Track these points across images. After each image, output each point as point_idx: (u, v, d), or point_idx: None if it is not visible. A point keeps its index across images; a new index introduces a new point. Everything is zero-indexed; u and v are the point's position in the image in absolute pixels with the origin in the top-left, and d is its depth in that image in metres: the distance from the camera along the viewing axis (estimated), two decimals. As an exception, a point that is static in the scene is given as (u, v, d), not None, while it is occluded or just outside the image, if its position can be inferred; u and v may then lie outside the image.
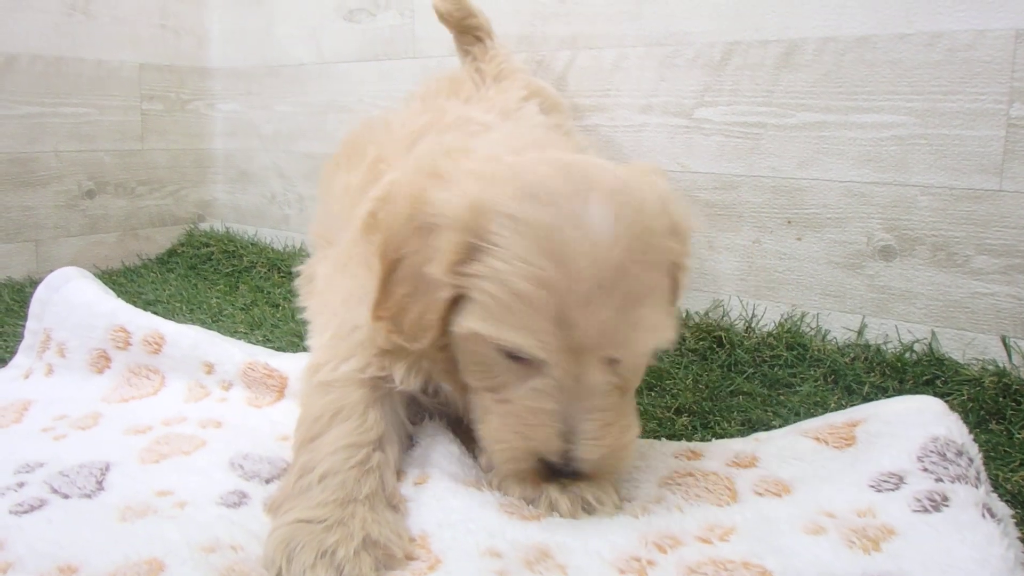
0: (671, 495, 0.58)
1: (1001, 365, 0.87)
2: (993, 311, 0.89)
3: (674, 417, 0.81)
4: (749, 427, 0.79)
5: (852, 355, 0.92)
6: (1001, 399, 0.81)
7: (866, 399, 0.85)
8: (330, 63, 1.49)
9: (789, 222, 1.02)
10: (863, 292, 0.97)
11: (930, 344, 0.92)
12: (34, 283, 1.37)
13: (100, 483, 0.60)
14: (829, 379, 0.90)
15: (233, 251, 1.58)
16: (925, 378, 0.87)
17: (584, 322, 0.53)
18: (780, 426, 0.74)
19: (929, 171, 0.91)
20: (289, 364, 0.82)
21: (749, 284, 1.06)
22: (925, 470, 0.54)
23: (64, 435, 0.71)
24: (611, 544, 0.52)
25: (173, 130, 1.66)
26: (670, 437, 0.75)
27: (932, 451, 0.55)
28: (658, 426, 0.79)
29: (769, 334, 0.97)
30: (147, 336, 0.82)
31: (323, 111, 1.53)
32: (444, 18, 1.11)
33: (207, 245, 1.61)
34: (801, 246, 1.01)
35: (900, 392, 0.85)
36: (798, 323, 0.99)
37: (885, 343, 0.94)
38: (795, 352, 0.92)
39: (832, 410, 0.75)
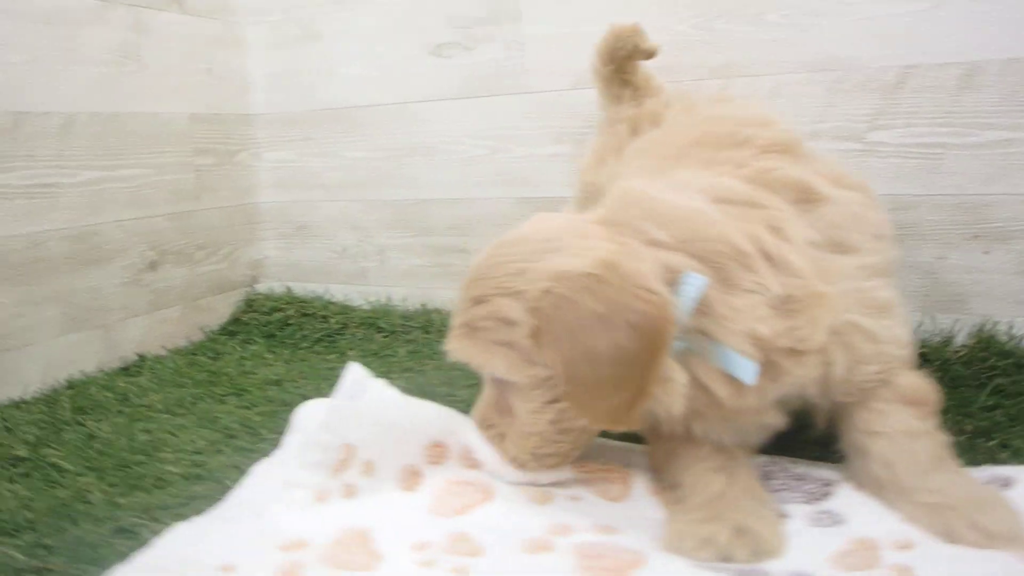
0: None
1: None
2: None
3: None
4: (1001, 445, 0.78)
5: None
6: None
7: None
8: (412, 103, 1.41)
9: (976, 237, 1.08)
10: None
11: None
12: (107, 375, 1.19)
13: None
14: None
15: (312, 313, 1.45)
16: None
17: None
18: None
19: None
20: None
21: (932, 300, 1.11)
22: None
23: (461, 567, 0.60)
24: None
25: (223, 185, 1.49)
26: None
27: None
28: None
29: (969, 346, 1.00)
30: (464, 451, 0.74)
31: (407, 154, 1.44)
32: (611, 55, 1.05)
33: (278, 309, 1.47)
34: (989, 259, 1.07)
35: None
36: (991, 334, 1.04)
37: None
38: (1010, 361, 0.96)
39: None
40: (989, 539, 0.57)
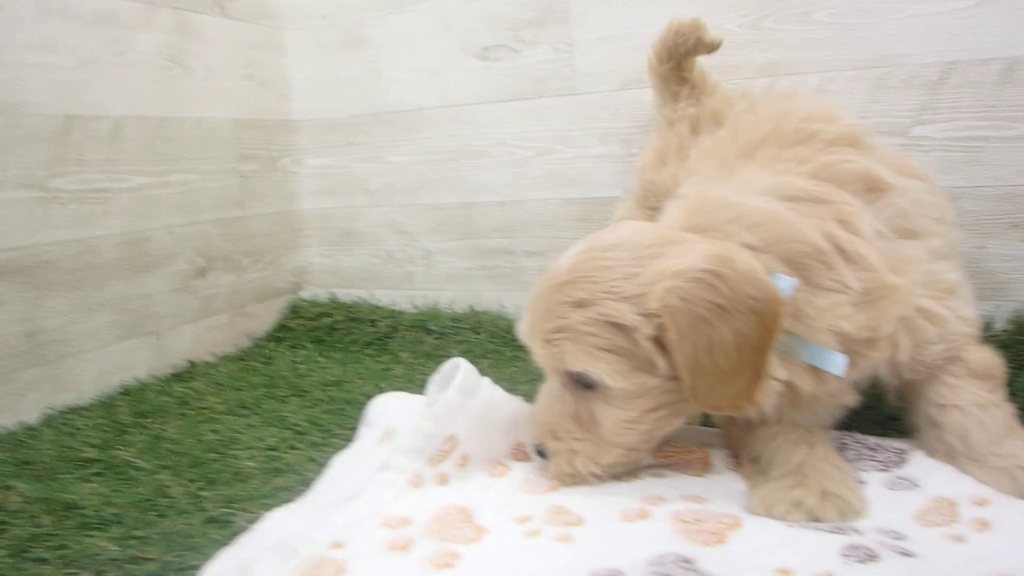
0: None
1: None
2: None
3: None
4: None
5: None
6: None
7: None
8: (458, 106, 1.42)
9: (1015, 226, 1.10)
10: None
11: None
12: (160, 380, 1.17)
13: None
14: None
15: (359, 317, 1.43)
16: None
17: None
18: None
19: None
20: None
21: (973, 287, 1.11)
22: None
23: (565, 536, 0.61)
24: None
25: (268, 192, 1.48)
26: None
27: None
28: None
29: (1009, 331, 1.01)
30: None
31: (452, 158, 1.44)
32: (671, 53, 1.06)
33: (325, 315, 1.45)
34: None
35: None
36: None
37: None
38: None
39: None
40: None
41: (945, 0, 1.08)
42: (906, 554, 0.55)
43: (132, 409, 1.05)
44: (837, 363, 0.66)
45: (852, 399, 0.73)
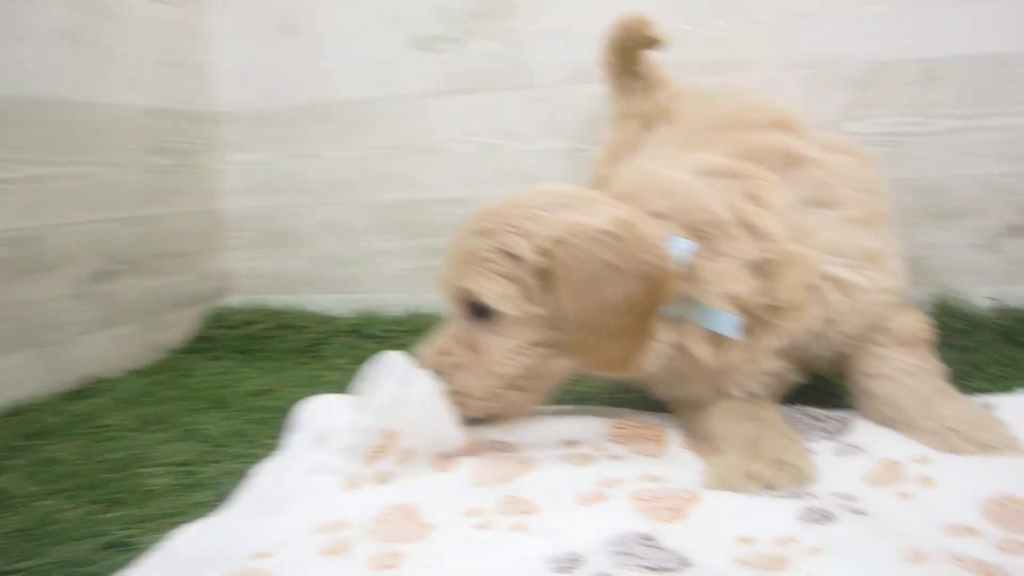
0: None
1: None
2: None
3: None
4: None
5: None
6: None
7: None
8: (404, 98, 1.34)
9: (935, 216, 1.16)
10: (1000, 266, 1.14)
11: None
12: (55, 397, 1.03)
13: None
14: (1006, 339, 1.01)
15: (290, 324, 1.31)
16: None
17: None
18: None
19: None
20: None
21: None
22: None
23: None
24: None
25: (186, 189, 1.35)
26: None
27: None
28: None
29: (931, 312, 1.02)
30: (495, 444, 0.72)
31: (400, 153, 1.36)
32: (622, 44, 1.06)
33: (252, 323, 1.32)
34: (945, 235, 1.15)
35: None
36: (949, 301, 1.11)
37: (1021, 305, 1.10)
38: (966, 322, 1.04)
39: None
40: (987, 450, 0.66)
41: (875, 4, 1.14)
42: (860, 512, 0.58)
43: (20, 430, 0.90)
44: (729, 325, 0.69)
45: (784, 369, 0.75)
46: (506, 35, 1.28)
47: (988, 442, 0.66)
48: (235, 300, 1.44)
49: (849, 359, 0.76)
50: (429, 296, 1.35)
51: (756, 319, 0.70)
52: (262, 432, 0.86)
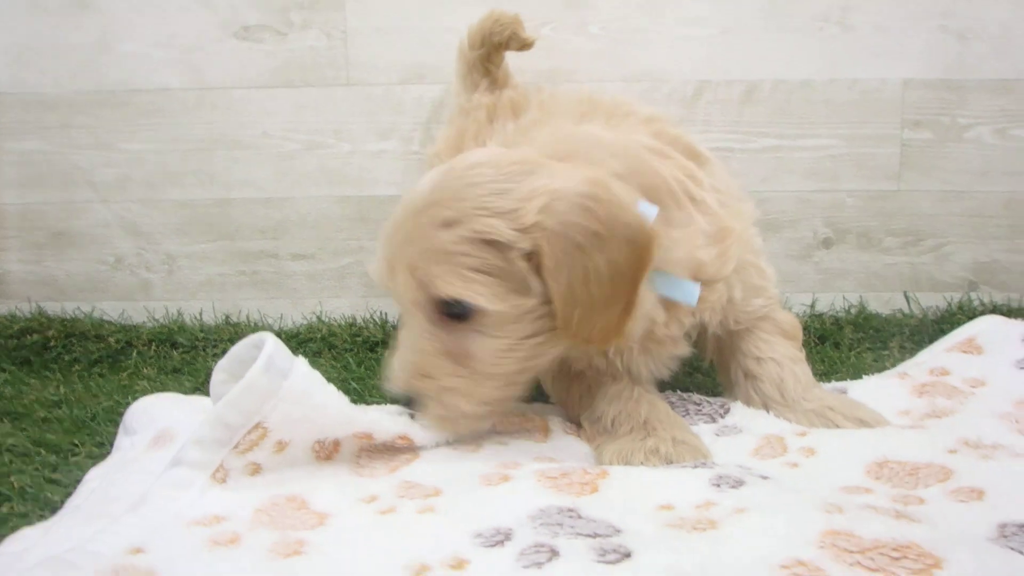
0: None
1: (906, 312, 1.21)
2: (897, 276, 1.24)
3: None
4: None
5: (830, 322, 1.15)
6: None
7: (851, 349, 1.07)
8: (214, 89, 1.22)
9: (755, 225, 1.23)
10: (812, 275, 1.24)
11: (861, 306, 1.22)
12: None
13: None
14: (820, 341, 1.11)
15: (81, 333, 1.15)
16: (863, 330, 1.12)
17: None
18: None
19: (852, 179, 1.22)
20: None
21: None
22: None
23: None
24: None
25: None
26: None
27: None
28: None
29: None
30: (394, 439, 0.67)
31: (205, 148, 1.23)
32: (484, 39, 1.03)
33: (31, 332, 1.14)
34: (764, 245, 1.22)
35: (869, 341, 1.09)
36: None
37: (831, 311, 1.20)
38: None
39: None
40: (863, 424, 0.72)
41: (700, 27, 1.19)
42: (764, 477, 0.59)
43: None
44: (690, 291, 0.68)
45: (685, 349, 0.77)
46: (332, 28, 1.20)
47: (863, 417, 0.72)
48: (6, 307, 1.23)
49: (735, 342, 0.80)
50: (242, 302, 1.26)
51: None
52: (76, 439, 0.81)
